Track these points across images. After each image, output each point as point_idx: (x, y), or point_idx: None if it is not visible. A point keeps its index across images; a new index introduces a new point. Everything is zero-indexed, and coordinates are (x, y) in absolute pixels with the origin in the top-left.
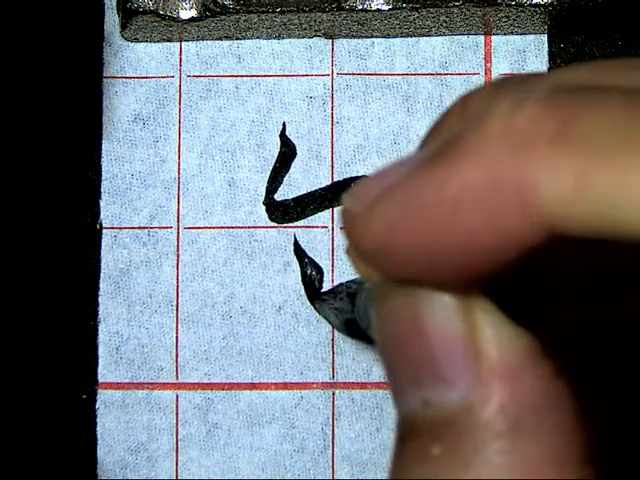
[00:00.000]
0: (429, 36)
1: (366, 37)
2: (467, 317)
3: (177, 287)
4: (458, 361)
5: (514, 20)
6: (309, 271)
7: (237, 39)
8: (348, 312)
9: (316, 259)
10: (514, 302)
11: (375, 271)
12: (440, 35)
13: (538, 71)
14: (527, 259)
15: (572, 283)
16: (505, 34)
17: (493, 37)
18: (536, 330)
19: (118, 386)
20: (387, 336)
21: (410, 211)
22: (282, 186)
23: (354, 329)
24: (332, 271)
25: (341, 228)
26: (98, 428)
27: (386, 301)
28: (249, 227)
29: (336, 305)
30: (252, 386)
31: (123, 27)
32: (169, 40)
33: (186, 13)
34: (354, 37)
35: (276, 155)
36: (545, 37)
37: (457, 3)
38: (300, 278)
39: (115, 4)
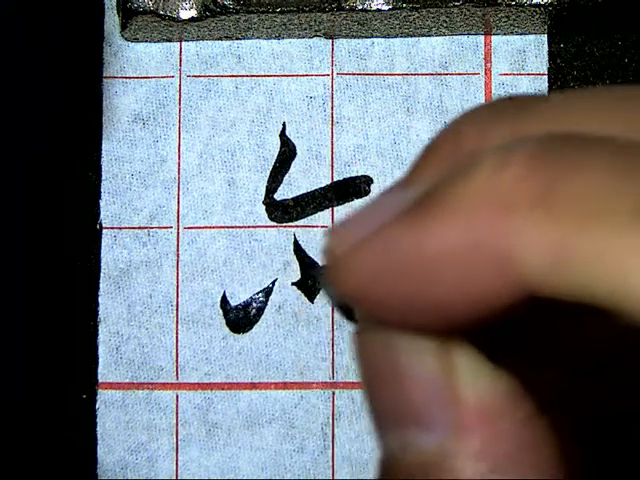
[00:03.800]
0: (429, 36)
1: (366, 37)
2: (445, 361)
3: (177, 287)
4: (435, 406)
5: (514, 20)
6: (309, 271)
7: (237, 39)
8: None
9: (316, 259)
10: (496, 343)
11: (355, 310)
12: (440, 35)
13: (537, 96)
14: (509, 313)
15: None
16: (505, 34)
17: (493, 37)
18: (518, 370)
19: (118, 386)
20: (366, 375)
21: (388, 264)
22: (282, 186)
23: (348, 315)
24: None
25: (324, 267)
26: (98, 428)
27: (365, 340)
28: (249, 227)
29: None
30: (252, 386)
31: (123, 27)
32: (169, 40)
33: (186, 13)
34: (354, 37)
35: (276, 155)
36: (545, 37)
37: (457, 3)
38: (300, 278)
39: (115, 4)
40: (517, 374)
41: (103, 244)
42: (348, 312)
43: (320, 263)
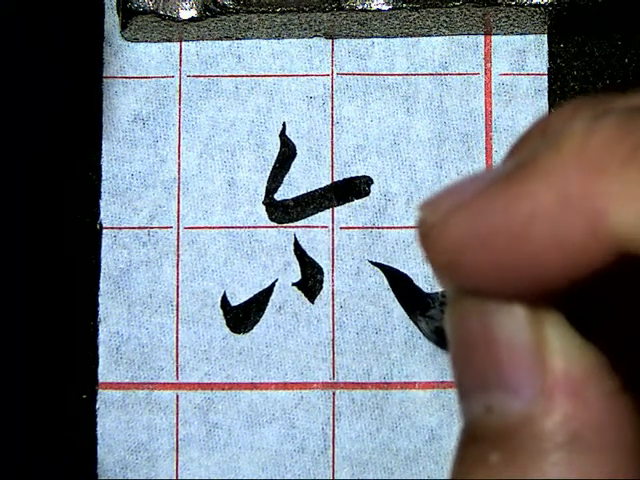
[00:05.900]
0: (429, 36)
1: (366, 37)
2: (536, 328)
3: (177, 287)
4: (523, 371)
5: (514, 20)
6: (309, 271)
7: (237, 39)
8: (438, 320)
9: (316, 259)
10: (585, 314)
11: (448, 280)
12: (440, 35)
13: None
14: (599, 276)
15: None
16: (505, 34)
17: (493, 37)
18: (604, 344)
19: (118, 386)
20: (457, 340)
21: (480, 228)
22: (282, 186)
23: (443, 338)
24: (332, 271)
25: (417, 238)
26: (98, 428)
27: (458, 306)
28: (249, 227)
29: (429, 313)
30: (252, 386)
31: (123, 27)
32: (169, 40)
33: (186, 13)
34: (354, 37)
35: (276, 155)
36: (545, 37)
37: (457, 3)
38: (300, 278)
39: (115, 4)
40: (604, 349)
41: (103, 244)
42: (443, 338)
43: (321, 263)
